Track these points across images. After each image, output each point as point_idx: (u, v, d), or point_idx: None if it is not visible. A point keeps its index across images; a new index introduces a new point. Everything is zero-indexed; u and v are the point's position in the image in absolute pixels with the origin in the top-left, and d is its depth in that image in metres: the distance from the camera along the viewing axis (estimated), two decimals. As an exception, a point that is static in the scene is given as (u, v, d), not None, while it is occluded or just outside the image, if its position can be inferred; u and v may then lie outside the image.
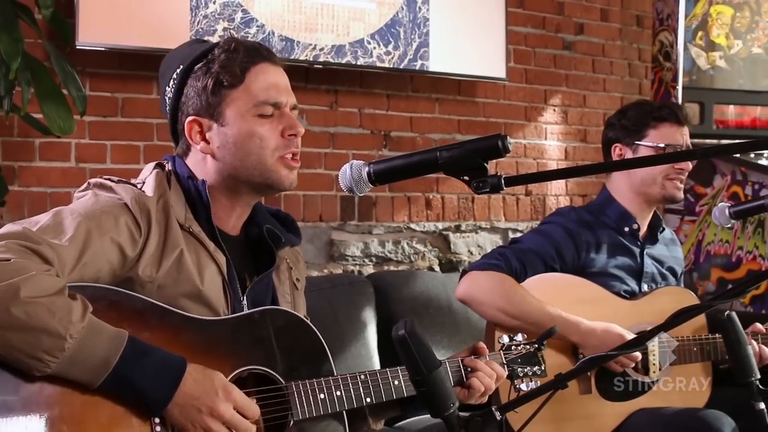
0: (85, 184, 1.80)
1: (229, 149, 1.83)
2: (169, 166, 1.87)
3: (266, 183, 1.86)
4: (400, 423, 3.09)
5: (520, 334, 2.14)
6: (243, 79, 1.83)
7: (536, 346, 2.12)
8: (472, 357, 2.02)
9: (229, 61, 1.83)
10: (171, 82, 1.88)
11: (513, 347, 2.11)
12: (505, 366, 2.06)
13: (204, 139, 1.85)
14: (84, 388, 1.55)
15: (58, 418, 1.53)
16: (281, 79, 1.89)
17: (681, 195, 2.87)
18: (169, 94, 1.88)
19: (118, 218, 1.69)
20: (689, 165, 2.85)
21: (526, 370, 2.09)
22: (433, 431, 2.85)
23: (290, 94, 1.89)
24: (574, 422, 2.61)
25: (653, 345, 2.68)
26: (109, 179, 1.79)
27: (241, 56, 1.84)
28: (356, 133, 3.85)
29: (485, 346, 2.03)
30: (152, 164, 1.87)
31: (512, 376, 2.08)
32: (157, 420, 1.62)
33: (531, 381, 2.09)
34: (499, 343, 2.12)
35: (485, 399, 1.99)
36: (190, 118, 1.85)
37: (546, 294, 2.64)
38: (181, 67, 1.86)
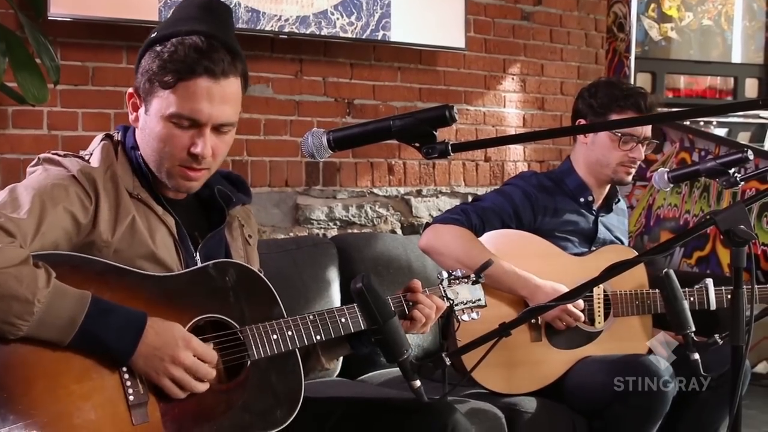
0: (36, 160, 1.88)
1: (144, 136, 1.90)
2: (118, 136, 1.95)
3: (162, 181, 1.91)
4: (362, 376, 3.21)
5: (459, 270, 2.22)
6: (174, 85, 1.82)
7: (474, 278, 2.20)
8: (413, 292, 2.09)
9: (169, 62, 1.83)
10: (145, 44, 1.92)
11: (452, 281, 2.19)
12: (445, 298, 2.15)
13: (135, 112, 1.92)
14: (55, 347, 1.66)
15: (35, 375, 1.64)
16: (214, 97, 1.84)
17: (629, 180, 3.02)
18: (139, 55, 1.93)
19: (68, 189, 1.79)
20: (641, 155, 2.96)
21: (466, 301, 2.18)
22: (394, 383, 2.98)
23: (217, 113, 1.85)
24: (524, 368, 2.77)
25: (599, 298, 2.84)
26: (56, 154, 1.87)
27: (181, 63, 1.82)
28: (321, 101, 3.91)
29: (419, 283, 2.09)
30: (101, 135, 1.95)
31: (453, 308, 2.16)
32: (124, 369, 1.72)
33: (472, 312, 2.19)
34: (439, 278, 2.20)
35: (427, 329, 2.09)
36: (130, 90, 1.92)
37: (501, 248, 2.78)
38: (152, 36, 1.90)
